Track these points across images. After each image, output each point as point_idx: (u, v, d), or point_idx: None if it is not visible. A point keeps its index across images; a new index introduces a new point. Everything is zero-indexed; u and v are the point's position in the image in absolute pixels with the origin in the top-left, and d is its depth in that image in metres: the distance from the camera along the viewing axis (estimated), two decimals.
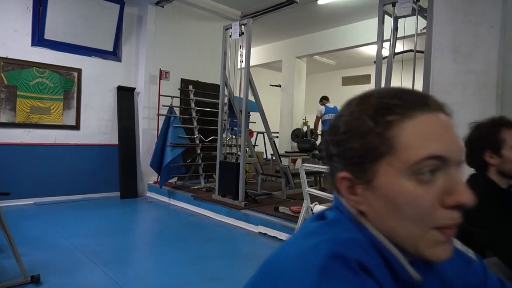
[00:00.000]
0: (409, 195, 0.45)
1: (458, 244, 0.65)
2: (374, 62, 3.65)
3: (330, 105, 7.64)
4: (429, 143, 0.46)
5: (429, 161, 0.45)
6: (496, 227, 1.20)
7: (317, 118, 7.46)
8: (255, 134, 8.54)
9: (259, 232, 4.06)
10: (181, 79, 6.49)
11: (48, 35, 5.13)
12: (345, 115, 0.51)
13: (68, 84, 5.42)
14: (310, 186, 3.48)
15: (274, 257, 0.48)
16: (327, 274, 0.40)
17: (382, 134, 0.47)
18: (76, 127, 5.54)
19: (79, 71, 5.51)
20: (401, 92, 0.50)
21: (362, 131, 0.48)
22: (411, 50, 3.37)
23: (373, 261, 0.45)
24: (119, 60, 5.99)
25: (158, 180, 5.82)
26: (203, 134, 6.21)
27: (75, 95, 5.50)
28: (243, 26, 4.66)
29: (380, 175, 0.47)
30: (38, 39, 5.08)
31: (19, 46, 4.95)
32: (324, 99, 7.68)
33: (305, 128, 9.04)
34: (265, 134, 7.17)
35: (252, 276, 0.49)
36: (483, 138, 1.35)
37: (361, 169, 0.49)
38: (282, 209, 4.22)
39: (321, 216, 0.54)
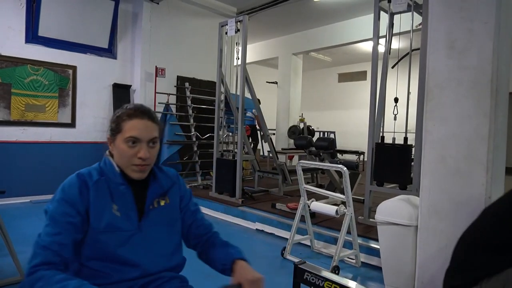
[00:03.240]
0: (123, 150, 1.08)
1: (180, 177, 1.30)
2: (392, 67, 3.65)
3: None
4: (132, 131, 1.08)
5: (130, 138, 1.07)
6: None
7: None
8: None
9: (256, 229, 4.06)
10: (177, 76, 6.47)
11: (42, 32, 5.09)
12: (115, 114, 1.13)
13: (63, 82, 5.38)
14: (307, 183, 3.49)
15: None
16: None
17: (120, 124, 1.09)
18: (72, 124, 5.51)
19: (74, 68, 5.47)
20: (132, 107, 1.12)
21: (115, 121, 1.11)
22: (406, 54, 3.40)
23: (90, 174, 1.11)
24: (115, 57, 5.95)
25: None
26: (199, 131, 6.20)
27: (70, 92, 5.46)
28: (239, 23, 4.64)
29: (117, 140, 1.09)
30: (32, 36, 5.04)
31: (13, 43, 4.91)
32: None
33: (301, 125, 9.06)
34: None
35: None
36: None
37: (113, 136, 1.11)
38: (279, 206, 4.23)
39: None
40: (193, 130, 6.09)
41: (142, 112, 1.10)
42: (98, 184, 1.08)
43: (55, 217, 1.00)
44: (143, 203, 1.13)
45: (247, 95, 5.04)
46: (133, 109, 1.10)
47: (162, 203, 1.17)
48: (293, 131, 8.80)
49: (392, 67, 3.67)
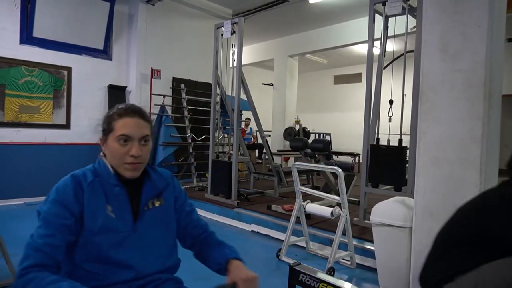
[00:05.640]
0: (115, 149, 1.08)
1: (175, 179, 1.30)
2: (384, 68, 3.68)
3: None
4: (123, 129, 1.08)
5: (122, 136, 1.08)
6: None
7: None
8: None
9: (251, 230, 4.06)
10: (173, 77, 6.46)
11: (37, 33, 5.06)
12: (106, 114, 1.15)
13: (58, 83, 5.35)
14: (302, 184, 3.49)
15: None
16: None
17: (111, 123, 1.10)
18: (67, 126, 5.48)
19: (69, 69, 5.45)
20: (123, 106, 1.13)
21: (106, 121, 1.12)
22: (399, 56, 3.43)
23: (84, 175, 1.09)
24: (110, 59, 5.93)
25: None
26: (195, 133, 6.20)
27: (65, 94, 5.43)
28: (234, 25, 4.65)
29: (109, 139, 1.10)
30: (27, 37, 5.01)
31: (7, 44, 4.87)
32: None
33: (297, 127, 9.08)
34: (258, 132, 7.17)
35: None
36: None
37: (105, 136, 1.12)
38: (274, 207, 4.23)
39: None
40: (188, 131, 6.08)
41: (133, 111, 1.11)
42: (92, 185, 1.08)
43: (48, 219, 1.00)
44: (138, 204, 1.13)
45: (243, 96, 5.04)
46: (124, 108, 1.12)
47: (157, 204, 1.17)
48: (289, 133, 8.81)
49: (384, 68, 3.70)
